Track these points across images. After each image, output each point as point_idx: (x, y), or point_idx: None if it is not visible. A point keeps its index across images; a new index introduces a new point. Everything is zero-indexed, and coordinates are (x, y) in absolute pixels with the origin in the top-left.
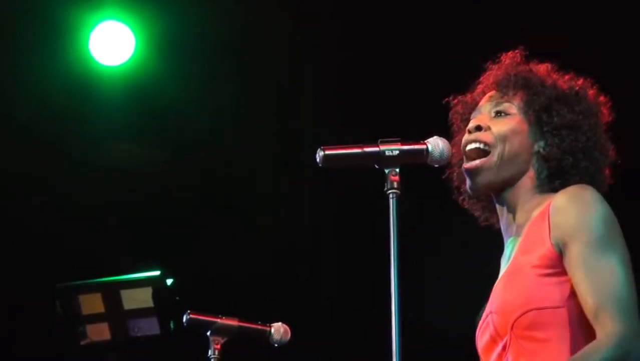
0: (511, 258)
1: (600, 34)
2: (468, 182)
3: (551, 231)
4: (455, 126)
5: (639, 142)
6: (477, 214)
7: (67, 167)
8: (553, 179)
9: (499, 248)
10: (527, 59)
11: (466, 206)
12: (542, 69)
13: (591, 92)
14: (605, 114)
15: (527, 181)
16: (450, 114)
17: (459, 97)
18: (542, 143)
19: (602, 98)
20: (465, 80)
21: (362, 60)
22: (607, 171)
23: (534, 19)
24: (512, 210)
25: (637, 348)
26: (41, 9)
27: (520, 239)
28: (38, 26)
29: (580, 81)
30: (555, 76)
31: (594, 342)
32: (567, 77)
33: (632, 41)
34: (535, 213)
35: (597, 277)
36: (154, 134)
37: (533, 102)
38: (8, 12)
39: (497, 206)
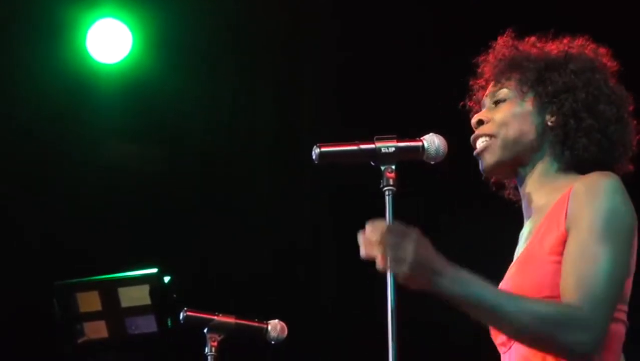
0: (527, 242)
1: (601, 34)
2: (481, 167)
3: (566, 217)
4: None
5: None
6: (519, 202)
7: (64, 165)
8: (561, 149)
9: (500, 247)
10: (516, 38)
11: (514, 200)
12: (527, 43)
13: (587, 49)
14: (608, 66)
15: (542, 158)
16: (470, 116)
17: (473, 98)
18: (545, 115)
19: (601, 50)
20: (464, 80)
21: (362, 60)
22: (626, 124)
23: (533, 19)
24: (531, 190)
25: (583, 338)
26: (38, 7)
27: (538, 222)
28: (35, 24)
29: (574, 43)
30: (542, 45)
31: (560, 304)
32: (559, 44)
33: (632, 41)
34: (557, 196)
35: (580, 264)
36: (152, 133)
37: (526, 79)
38: (5, 11)
39: (519, 187)
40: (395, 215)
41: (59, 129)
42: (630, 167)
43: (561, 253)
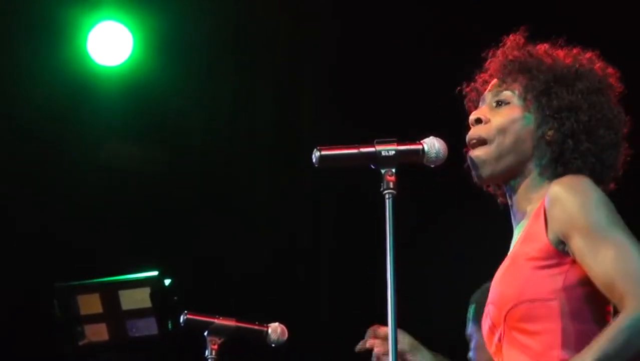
0: (511, 248)
1: (601, 34)
2: (473, 172)
3: (547, 223)
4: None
5: (638, 143)
6: (500, 200)
7: (65, 167)
8: (555, 165)
9: (500, 249)
10: (529, 40)
11: (491, 192)
12: (540, 50)
13: (597, 66)
14: (614, 87)
15: (532, 168)
16: (465, 102)
17: (471, 85)
18: (545, 128)
19: (610, 70)
20: (464, 80)
21: (362, 60)
22: (620, 148)
23: (534, 19)
24: (518, 198)
25: None
26: (39, 9)
27: (523, 228)
28: (36, 26)
29: (585, 56)
30: (554, 55)
31: (616, 320)
32: (569, 53)
33: (633, 41)
34: (539, 202)
35: (607, 257)
36: (153, 134)
37: (532, 87)
38: (6, 13)
39: (507, 193)
40: (395, 216)
41: (60, 130)
42: (612, 186)
43: (542, 259)
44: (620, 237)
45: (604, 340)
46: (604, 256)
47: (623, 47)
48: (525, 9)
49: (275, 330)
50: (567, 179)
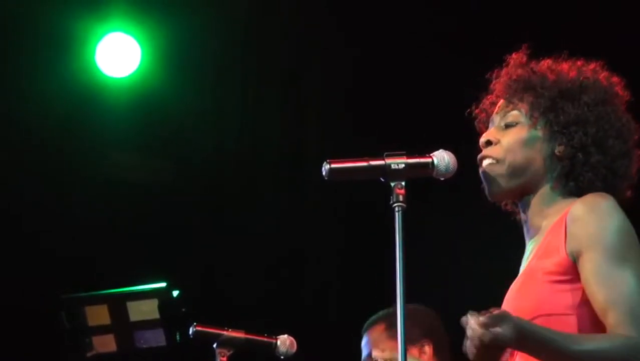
0: (527, 262)
1: (606, 35)
2: (486, 189)
3: (567, 240)
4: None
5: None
6: (515, 215)
7: (73, 178)
8: (566, 179)
9: (505, 259)
10: (532, 56)
11: (508, 209)
12: (543, 66)
13: (601, 76)
14: (620, 96)
15: (544, 184)
16: (475, 124)
17: (480, 106)
18: (554, 144)
19: (615, 79)
20: (473, 92)
21: (369, 73)
22: (631, 156)
23: (540, 33)
24: (532, 214)
25: None
26: (48, 21)
27: (537, 243)
28: (45, 38)
29: (589, 67)
30: (558, 70)
31: (621, 335)
32: (573, 66)
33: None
34: (555, 218)
35: (611, 288)
36: (160, 146)
37: (538, 105)
38: (15, 24)
39: (520, 209)
40: (405, 228)
41: (68, 141)
42: (629, 194)
43: (560, 274)
44: (630, 269)
45: (607, 343)
46: (608, 284)
47: (629, 53)
48: (533, 24)
49: (284, 342)
50: (591, 198)
